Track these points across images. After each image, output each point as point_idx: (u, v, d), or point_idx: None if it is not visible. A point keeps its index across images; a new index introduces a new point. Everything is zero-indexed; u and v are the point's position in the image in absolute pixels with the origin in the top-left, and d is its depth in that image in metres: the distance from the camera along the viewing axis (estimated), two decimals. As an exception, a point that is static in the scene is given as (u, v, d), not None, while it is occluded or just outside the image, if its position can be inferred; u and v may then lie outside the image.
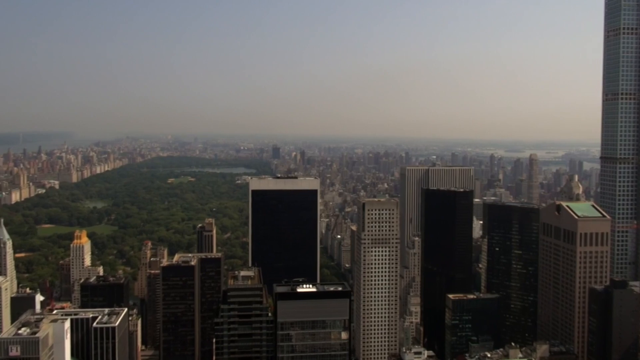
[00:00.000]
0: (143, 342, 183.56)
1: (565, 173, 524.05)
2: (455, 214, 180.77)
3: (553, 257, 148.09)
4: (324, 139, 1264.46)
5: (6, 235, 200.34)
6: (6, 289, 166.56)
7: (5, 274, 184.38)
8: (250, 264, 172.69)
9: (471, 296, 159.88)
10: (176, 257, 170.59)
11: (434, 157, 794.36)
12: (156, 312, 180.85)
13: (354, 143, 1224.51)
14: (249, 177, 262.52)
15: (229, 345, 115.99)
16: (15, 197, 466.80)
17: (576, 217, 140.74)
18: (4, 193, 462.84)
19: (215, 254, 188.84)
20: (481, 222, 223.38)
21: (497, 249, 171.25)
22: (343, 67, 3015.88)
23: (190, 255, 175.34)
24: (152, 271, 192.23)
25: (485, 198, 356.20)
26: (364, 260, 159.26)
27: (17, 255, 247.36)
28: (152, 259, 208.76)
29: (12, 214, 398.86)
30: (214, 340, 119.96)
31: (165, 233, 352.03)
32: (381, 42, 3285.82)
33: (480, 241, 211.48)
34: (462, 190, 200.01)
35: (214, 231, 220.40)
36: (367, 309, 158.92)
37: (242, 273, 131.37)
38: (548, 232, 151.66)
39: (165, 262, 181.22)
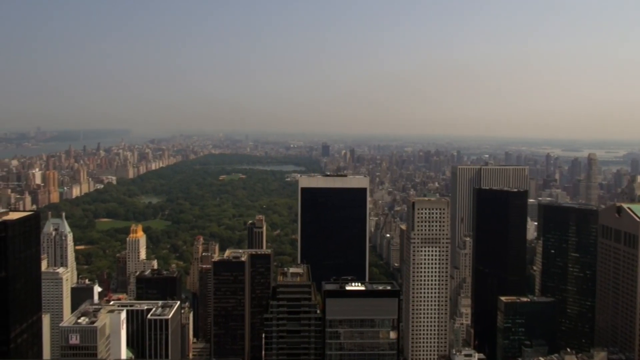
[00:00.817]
0: (194, 335, 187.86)
1: (626, 173, 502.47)
2: (508, 214, 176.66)
3: (613, 261, 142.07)
4: (373, 137, 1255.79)
5: (67, 228, 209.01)
6: (67, 280, 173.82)
7: (66, 265, 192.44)
8: (299, 261, 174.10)
9: (524, 299, 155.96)
10: (227, 253, 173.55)
11: (487, 155, 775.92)
12: (207, 306, 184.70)
13: (404, 141, 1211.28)
14: (299, 175, 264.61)
15: (278, 341, 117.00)
16: (75, 191, 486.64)
17: (638, 219, 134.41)
18: (65, 188, 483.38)
19: (265, 250, 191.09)
20: (536, 223, 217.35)
21: (552, 251, 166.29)
22: (394, 64, 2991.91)
23: (240, 251, 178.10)
24: (204, 266, 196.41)
25: (540, 198, 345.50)
26: (414, 259, 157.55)
27: (77, 247, 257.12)
28: (203, 254, 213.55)
29: (73, 208, 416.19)
30: (264, 335, 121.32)
31: (217, 229, 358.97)
32: (432, 39, 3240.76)
33: (534, 243, 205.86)
34: (515, 190, 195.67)
35: (264, 228, 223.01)
36: (417, 309, 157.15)
37: (291, 270, 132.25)
38: (607, 235, 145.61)
39: (216, 257, 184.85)
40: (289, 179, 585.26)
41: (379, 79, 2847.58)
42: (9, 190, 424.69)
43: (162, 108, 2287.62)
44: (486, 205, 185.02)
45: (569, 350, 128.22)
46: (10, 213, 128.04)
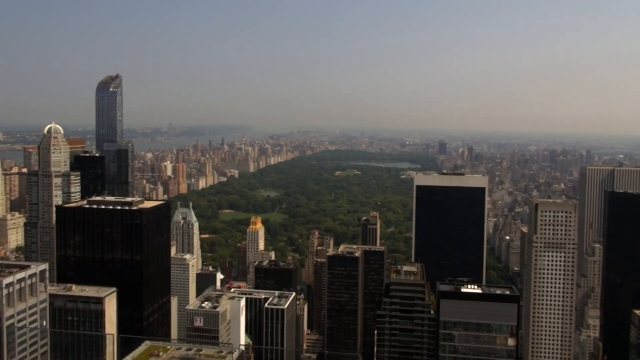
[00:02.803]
0: (309, 327, 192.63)
1: None
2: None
3: None
4: (493, 135, 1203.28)
5: (194, 218, 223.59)
6: (193, 266, 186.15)
7: (192, 252, 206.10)
8: (413, 260, 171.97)
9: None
10: (342, 248, 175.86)
11: (621, 156, 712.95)
12: (321, 299, 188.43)
13: (527, 139, 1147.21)
14: (414, 173, 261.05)
15: (390, 339, 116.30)
16: (202, 183, 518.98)
17: None
18: (192, 180, 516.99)
19: (379, 247, 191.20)
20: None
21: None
22: (516, 60, 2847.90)
23: (354, 246, 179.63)
24: (319, 259, 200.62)
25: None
26: (535, 264, 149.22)
27: (202, 236, 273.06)
28: (319, 248, 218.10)
29: (199, 199, 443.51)
30: (376, 331, 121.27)
31: (332, 224, 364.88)
32: (559, 33, 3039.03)
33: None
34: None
35: (379, 224, 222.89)
36: (538, 317, 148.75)
37: (405, 268, 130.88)
38: None
39: (331, 251, 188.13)
40: (404, 177, 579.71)
41: (499, 75, 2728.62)
42: (144, 181, 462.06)
43: (282, 105, 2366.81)
44: (620, 210, 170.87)
45: None
46: (145, 202, 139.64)
